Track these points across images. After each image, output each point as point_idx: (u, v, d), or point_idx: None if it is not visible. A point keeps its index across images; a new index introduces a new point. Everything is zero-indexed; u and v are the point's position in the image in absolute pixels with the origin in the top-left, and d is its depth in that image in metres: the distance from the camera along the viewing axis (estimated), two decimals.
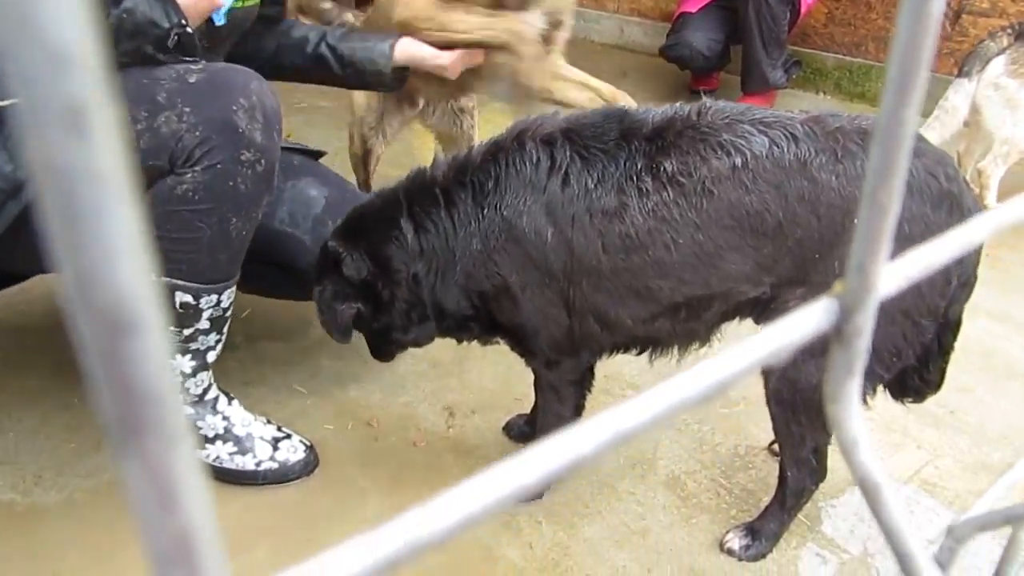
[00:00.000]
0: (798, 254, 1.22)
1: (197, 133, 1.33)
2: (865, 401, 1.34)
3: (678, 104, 1.31)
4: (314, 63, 1.82)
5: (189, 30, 1.40)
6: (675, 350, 1.46)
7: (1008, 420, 1.87)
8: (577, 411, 1.57)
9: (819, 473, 1.43)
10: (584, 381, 1.54)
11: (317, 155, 1.92)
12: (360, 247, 1.45)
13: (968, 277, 1.31)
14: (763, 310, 1.33)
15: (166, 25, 1.36)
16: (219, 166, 1.35)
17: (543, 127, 1.36)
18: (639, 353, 1.51)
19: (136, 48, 1.36)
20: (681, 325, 1.37)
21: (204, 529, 0.14)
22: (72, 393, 1.80)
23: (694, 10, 3.73)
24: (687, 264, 1.27)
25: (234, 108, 1.35)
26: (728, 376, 0.18)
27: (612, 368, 1.92)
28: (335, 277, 1.48)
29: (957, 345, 2.00)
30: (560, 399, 1.55)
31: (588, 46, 4.73)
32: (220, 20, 1.56)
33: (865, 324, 0.19)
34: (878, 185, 0.18)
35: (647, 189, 1.25)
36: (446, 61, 1.77)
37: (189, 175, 1.35)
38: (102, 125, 0.11)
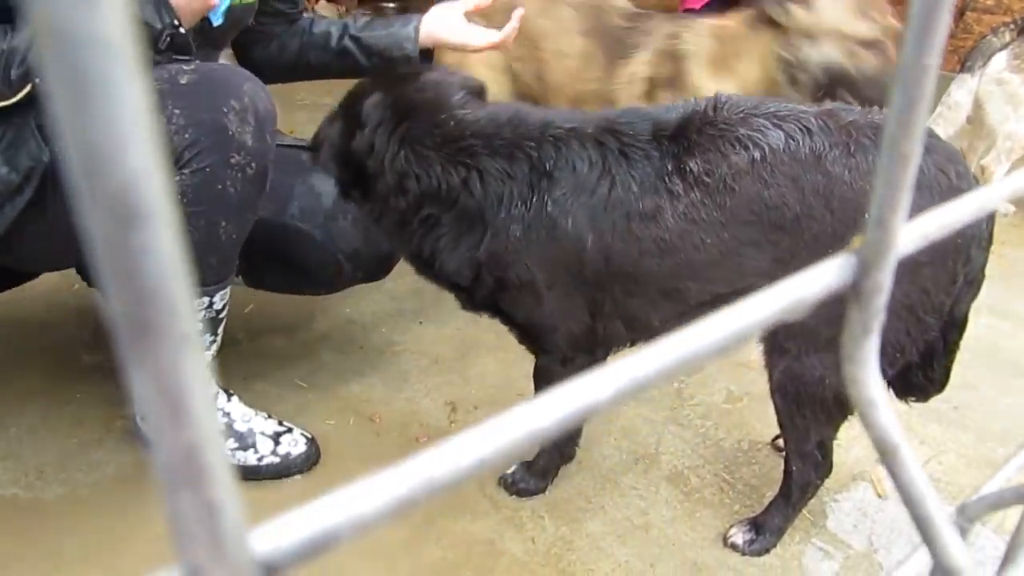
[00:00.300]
0: (813, 249, 1.22)
1: (186, 135, 1.32)
2: None
3: (693, 100, 1.30)
4: (339, 57, 1.80)
5: (182, 30, 1.39)
6: None
7: (1012, 416, 1.87)
8: None
9: (824, 467, 1.43)
10: (578, 370, 1.52)
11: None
12: (380, 124, 1.32)
13: (975, 276, 1.30)
14: None
15: (158, 26, 1.35)
16: (208, 169, 1.33)
17: (588, 123, 1.32)
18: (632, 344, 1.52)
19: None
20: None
21: (212, 444, 0.13)
22: (74, 389, 1.80)
23: (698, 6, 3.72)
24: (714, 263, 1.26)
25: (224, 110, 1.33)
26: (744, 328, 0.17)
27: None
28: (345, 130, 1.35)
29: (961, 342, 2.00)
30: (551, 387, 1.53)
31: None
32: (218, 20, 1.55)
33: (884, 281, 0.19)
34: (899, 134, 0.17)
35: (678, 191, 1.24)
36: (471, 39, 1.73)
37: (178, 178, 1.33)
38: None
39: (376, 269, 1.83)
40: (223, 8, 1.52)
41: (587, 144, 1.28)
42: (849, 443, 1.75)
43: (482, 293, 1.39)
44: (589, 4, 2.16)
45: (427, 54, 1.80)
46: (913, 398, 1.48)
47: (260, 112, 1.38)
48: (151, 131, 0.11)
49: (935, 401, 1.54)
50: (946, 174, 1.18)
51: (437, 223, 1.34)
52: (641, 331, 1.39)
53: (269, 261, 1.51)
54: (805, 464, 1.41)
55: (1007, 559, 0.36)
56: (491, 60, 2.09)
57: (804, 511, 1.54)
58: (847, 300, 0.20)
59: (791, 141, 1.19)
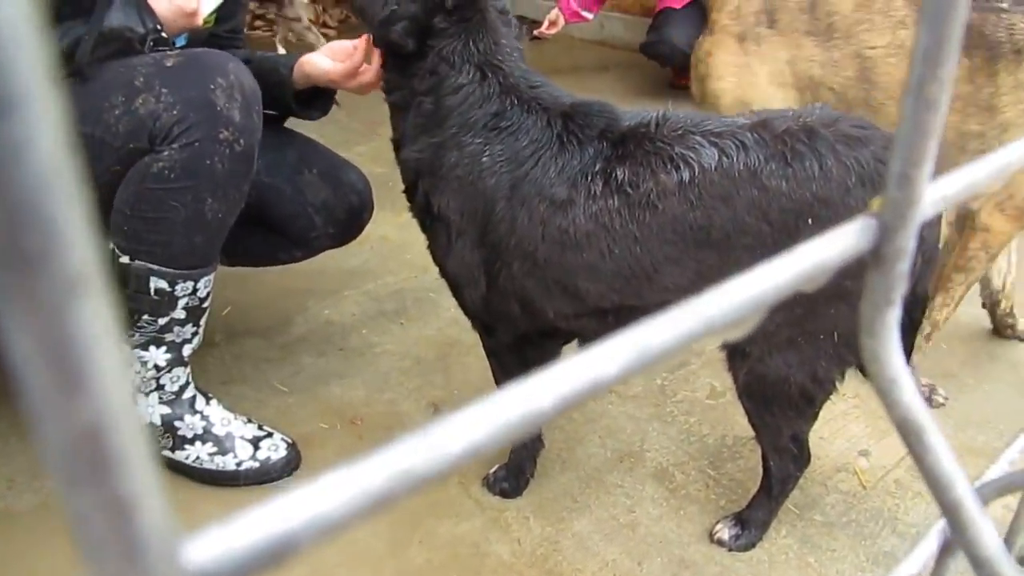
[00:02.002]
0: (748, 261, 1.21)
1: (175, 112, 1.32)
2: (835, 387, 1.34)
3: (654, 112, 1.29)
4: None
5: (164, 35, 1.42)
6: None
7: (991, 403, 1.87)
8: None
9: (801, 459, 1.43)
10: (525, 352, 1.51)
11: (280, 119, 1.88)
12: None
13: (931, 254, 1.31)
14: None
15: (141, 31, 1.38)
16: (196, 144, 1.33)
17: (559, 98, 1.34)
18: (566, 342, 1.52)
19: (113, 52, 1.38)
20: (608, 328, 1.37)
21: (120, 421, 0.10)
22: None
23: (678, 6, 3.72)
24: (620, 274, 1.26)
25: (212, 87, 1.34)
26: (757, 296, 0.16)
27: None
28: (428, 7, 1.32)
29: (942, 335, 2.00)
30: (503, 368, 1.54)
31: (569, 42, 4.72)
32: (181, 40, 1.57)
33: (907, 244, 0.17)
34: (925, 75, 0.15)
35: (596, 192, 1.24)
36: (337, 75, 1.62)
37: (166, 152, 1.33)
38: None
39: (347, 224, 1.80)
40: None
41: (541, 120, 1.31)
42: (832, 435, 1.75)
43: (416, 207, 1.42)
44: None
45: (319, 97, 1.75)
46: None
47: (246, 90, 1.39)
48: None
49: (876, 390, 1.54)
50: (886, 163, 1.17)
51: (420, 110, 1.36)
52: (536, 318, 1.40)
53: (240, 224, 1.49)
54: (782, 458, 1.41)
55: (1008, 544, 0.35)
56: (781, 76, 1.83)
57: (790, 504, 1.53)
58: (867, 267, 0.18)
59: (725, 158, 1.19)
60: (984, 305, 2.12)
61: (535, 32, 3.75)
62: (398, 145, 1.43)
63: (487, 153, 1.31)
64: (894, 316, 0.19)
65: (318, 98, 1.74)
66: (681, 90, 4.05)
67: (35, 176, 0.09)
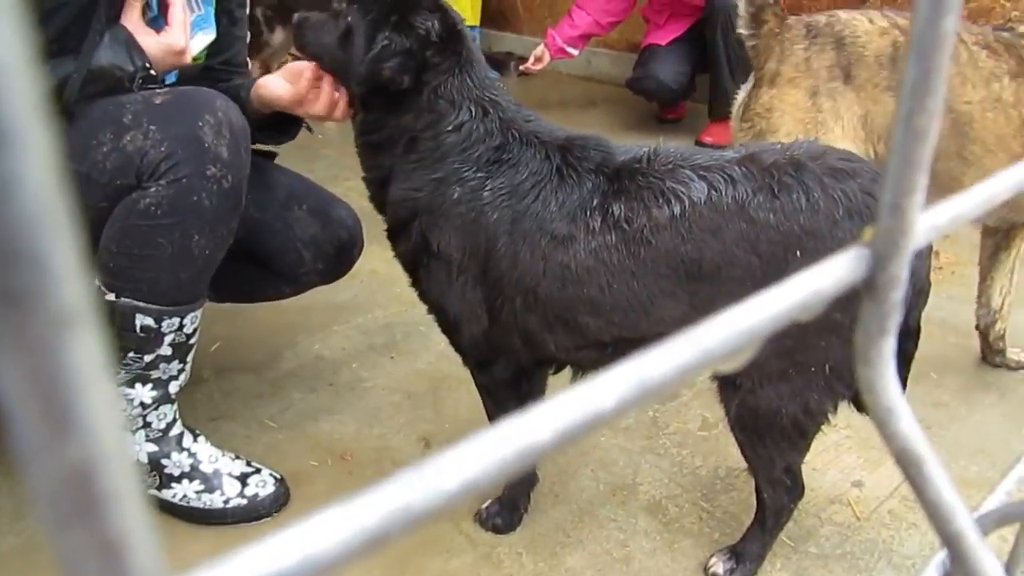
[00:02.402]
0: (739, 293, 1.21)
1: (163, 148, 1.32)
2: (827, 418, 1.34)
3: (647, 147, 1.31)
4: None
5: (153, 73, 1.42)
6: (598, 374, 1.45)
7: (983, 433, 1.87)
8: None
9: (795, 491, 1.42)
10: (520, 384, 1.51)
11: (271, 156, 1.88)
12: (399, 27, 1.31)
13: (922, 285, 1.32)
14: None
15: (130, 69, 1.39)
16: (184, 180, 1.33)
17: (554, 132, 1.36)
18: (556, 371, 1.52)
19: (101, 90, 1.38)
20: (608, 359, 1.38)
21: (111, 460, 0.10)
22: None
23: (663, 42, 3.78)
24: (619, 308, 1.27)
25: (200, 124, 1.34)
26: (752, 326, 0.16)
27: None
28: (417, 40, 1.32)
29: (929, 361, 2.01)
30: (497, 404, 1.53)
31: (556, 77, 4.77)
32: (171, 78, 1.58)
33: (900, 274, 0.17)
34: (914, 107, 0.16)
35: (595, 228, 1.25)
36: (287, 99, 1.55)
37: (153, 189, 1.33)
38: None
39: (336, 259, 1.78)
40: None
41: (539, 153, 1.32)
42: (825, 466, 1.75)
43: (408, 247, 1.40)
44: (1002, 41, 1.78)
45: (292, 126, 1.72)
46: None
47: (235, 127, 1.39)
48: (13, 8, 0.09)
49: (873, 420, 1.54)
50: (873, 195, 1.18)
51: (415, 148, 1.35)
52: (537, 351, 1.40)
53: (229, 259, 1.48)
54: (776, 490, 1.40)
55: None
56: (854, 132, 1.75)
57: (784, 536, 1.52)
58: (861, 297, 0.18)
59: (714, 192, 1.20)
60: (978, 326, 2.11)
61: (521, 67, 3.80)
62: (379, 183, 1.41)
63: (488, 187, 1.31)
64: (889, 345, 0.19)
65: (285, 122, 1.68)
66: (667, 124, 4.11)
67: (25, 211, 0.09)
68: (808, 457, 1.43)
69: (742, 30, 1.86)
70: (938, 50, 0.15)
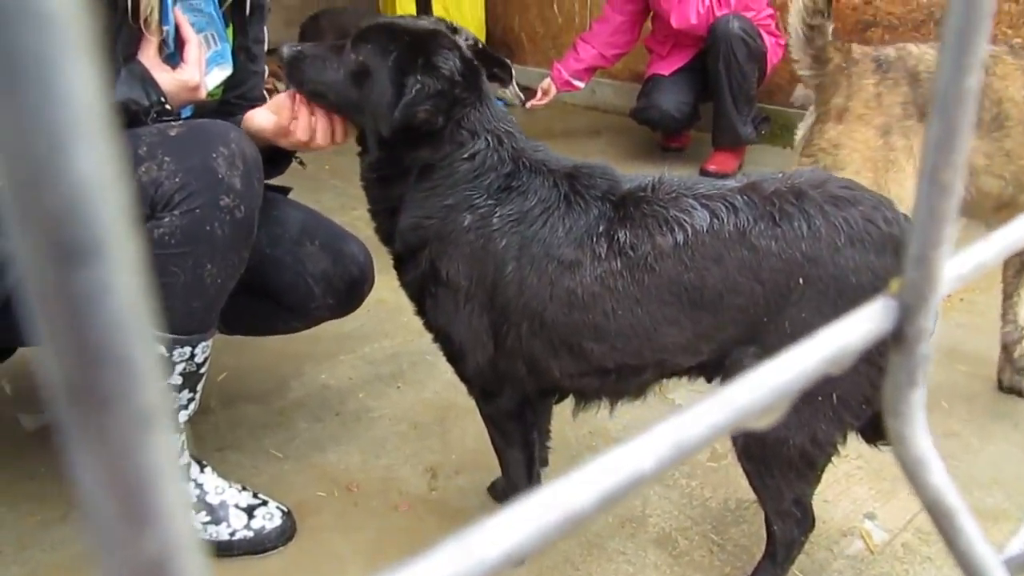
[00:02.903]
0: (742, 320, 1.23)
1: (177, 179, 1.34)
2: (837, 449, 1.32)
3: (652, 176, 1.32)
4: None
5: (168, 107, 1.45)
6: (602, 403, 1.45)
7: (997, 464, 1.85)
8: (526, 448, 1.53)
9: (805, 523, 1.41)
10: (525, 414, 1.50)
11: (285, 191, 1.89)
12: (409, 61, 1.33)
13: None
14: (714, 370, 1.34)
15: (146, 103, 1.41)
16: (197, 211, 1.34)
17: (561, 161, 1.38)
18: (559, 400, 1.51)
19: (118, 124, 1.38)
20: (611, 386, 1.38)
21: (186, 555, 0.10)
22: (38, 462, 1.73)
23: (667, 73, 3.81)
24: (622, 334, 1.28)
25: (214, 155, 1.36)
26: (784, 383, 0.15)
27: (596, 423, 1.89)
28: (444, 80, 1.33)
29: (940, 390, 1.99)
30: (503, 436, 1.52)
31: (561, 107, 4.81)
32: (187, 111, 1.60)
33: (928, 325, 0.17)
34: (938, 162, 0.16)
35: (601, 254, 1.26)
36: (270, 131, 1.53)
37: (167, 219, 1.34)
38: None
39: (347, 294, 1.79)
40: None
41: (548, 180, 1.33)
42: (836, 498, 1.73)
43: (416, 275, 1.40)
44: None
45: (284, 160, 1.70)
46: (883, 442, 1.47)
47: (248, 158, 1.40)
48: (105, 128, 0.09)
49: (903, 472, 1.52)
50: (874, 223, 1.18)
51: (428, 176, 1.36)
52: (542, 378, 1.40)
53: (240, 293, 1.49)
54: (785, 523, 1.39)
55: None
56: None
57: (796, 570, 1.50)
58: (889, 348, 0.18)
59: (716, 220, 1.21)
60: (1005, 345, 2.07)
61: (528, 103, 3.84)
62: (388, 214, 1.42)
63: (497, 214, 1.32)
64: (919, 396, 0.19)
65: (276, 157, 1.65)
66: (671, 153, 4.13)
67: (112, 320, 0.10)
68: (819, 488, 1.41)
69: (804, 72, 1.81)
70: (961, 106, 0.15)
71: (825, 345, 0.17)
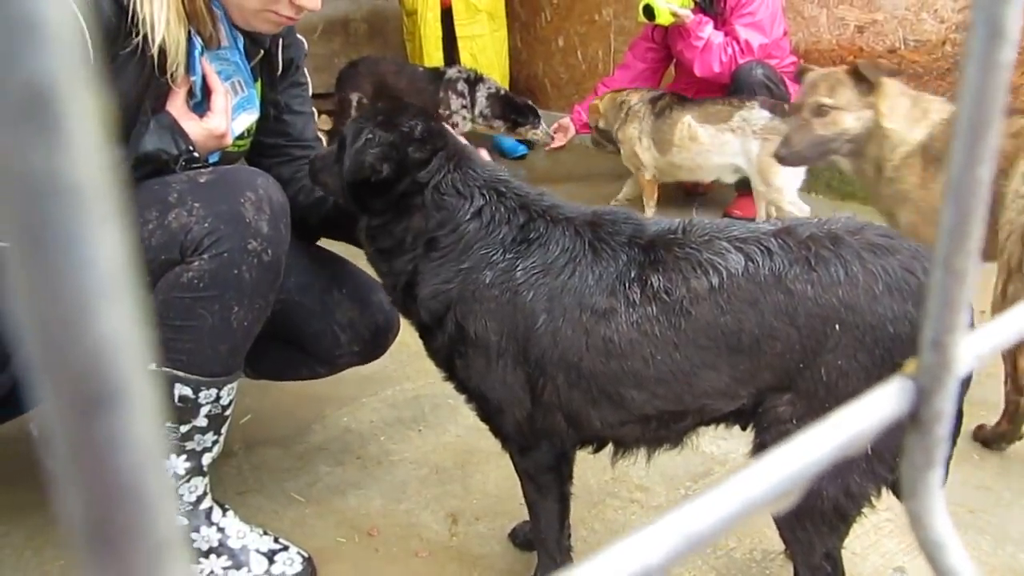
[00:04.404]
0: (779, 366, 1.21)
1: (206, 224, 1.37)
2: (870, 502, 1.29)
3: (679, 219, 1.33)
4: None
5: (196, 155, 1.49)
6: (642, 452, 1.42)
7: None
8: (562, 499, 1.50)
9: None
10: (562, 467, 1.48)
11: (314, 238, 1.91)
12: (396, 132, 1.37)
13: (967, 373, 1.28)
14: (748, 417, 1.32)
15: (174, 152, 1.46)
16: (226, 255, 1.37)
17: (576, 207, 1.39)
18: (597, 450, 1.49)
19: (149, 172, 1.45)
20: (651, 433, 1.37)
21: None
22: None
23: (690, 94, 3.84)
24: (662, 380, 1.26)
25: (242, 200, 1.39)
26: (799, 469, 0.16)
27: (619, 470, 1.86)
28: (401, 139, 1.37)
29: (971, 443, 1.95)
30: (539, 489, 1.50)
31: (584, 151, 4.82)
32: (214, 157, 1.63)
33: (945, 407, 0.17)
34: (952, 249, 0.16)
35: (635, 300, 1.25)
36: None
37: (196, 263, 1.37)
38: (74, 115, 0.09)
39: (372, 342, 1.82)
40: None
41: (568, 230, 1.33)
42: (865, 551, 1.69)
43: (443, 340, 1.40)
44: None
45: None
46: None
47: (275, 203, 1.44)
48: (127, 293, 0.09)
49: (950, 504, 1.48)
50: (913, 273, 1.17)
51: (435, 246, 1.37)
52: (582, 430, 1.38)
53: (267, 340, 1.51)
54: None
55: None
56: None
57: None
58: (905, 430, 0.18)
59: (751, 264, 1.20)
60: (1008, 400, 2.03)
61: (547, 148, 3.90)
62: (403, 289, 1.42)
63: (520, 267, 1.32)
64: (936, 477, 0.19)
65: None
66: (694, 197, 4.13)
67: (131, 463, 0.10)
68: (847, 541, 1.38)
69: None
70: (974, 196, 0.15)
71: (841, 429, 0.17)
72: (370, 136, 1.36)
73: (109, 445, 0.10)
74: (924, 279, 1.17)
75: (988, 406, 2.17)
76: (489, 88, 4.10)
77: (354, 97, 4.28)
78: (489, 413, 1.44)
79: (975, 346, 0.18)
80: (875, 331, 1.15)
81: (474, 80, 4.13)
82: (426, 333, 1.44)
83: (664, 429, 1.35)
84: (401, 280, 1.42)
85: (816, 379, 1.19)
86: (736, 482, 0.15)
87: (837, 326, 1.16)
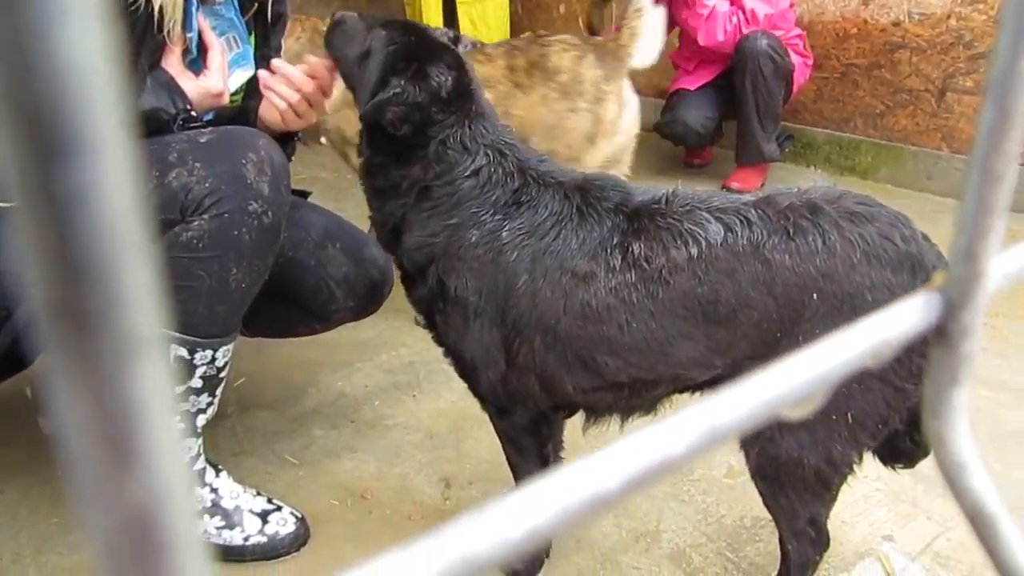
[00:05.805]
0: (756, 336, 1.21)
1: (207, 184, 1.35)
2: (852, 469, 1.30)
3: (665, 188, 1.31)
4: None
5: (194, 114, 1.47)
6: (614, 419, 1.43)
7: (1020, 489, 1.82)
8: (543, 462, 1.50)
9: (820, 543, 1.38)
10: (541, 430, 1.48)
11: (304, 195, 1.90)
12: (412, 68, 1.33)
13: None
14: (725, 385, 1.31)
15: (172, 111, 1.44)
16: (226, 215, 1.36)
17: (570, 173, 1.38)
18: (568, 416, 1.50)
19: (147, 131, 1.43)
20: (624, 401, 1.37)
21: (175, 501, 0.09)
22: (56, 466, 1.74)
23: (692, 88, 3.80)
24: (636, 348, 1.26)
25: (243, 161, 1.37)
26: (823, 372, 0.15)
27: (611, 436, 1.87)
28: (423, 87, 1.33)
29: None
30: (519, 451, 1.50)
31: None
32: (208, 115, 1.61)
33: (974, 322, 0.17)
34: (991, 149, 0.15)
35: (616, 266, 1.25)
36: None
37: (196, 223, 1.36)
38: None
39: (367, 297, 1.81)
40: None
41: (558, 193, 1.32)
42: (854, 520, 1.70)
43: (424, 292, 1.40)
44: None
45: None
46: (900, 465, 1.44)
47: (276, 165, 1.42)
48: (97, 8, 0.08)
49: (934, 471, 1.49)
50: (891, 240, 1.16)
51: (427, 196, 1.35)
52: (554, 394, 1.38)
53: (262, 296, 1.50)
54: (800, 543, 1.37)
55: None
56: None
57: None
58: (930, 345, 0.18)
59: (730, 234, 1.20)
60: None
61: None
62: (391, 231, 1.42)
63: (506, 228, 1.31)
64: (961, 397, 0.18)
65: (281, 141, 1.67)
66: (694, 169, 4.11)
67: (98, 227, 0.08)
68: (836, 509, 1.39)
69: None
70: (1016, 91, 0.14)
71: (866, 336, 0.16)
72: (398, 91, 1.32)
73: (72, 203, 0.08)
74: (903, 246, 1.17)
75: (980, 381, 2.18)
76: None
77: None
78: (464, 371, 1.44)
79: (1006, 263, 0.17)
80: (853, 299, 1.15)
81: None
82: (408, 280, 1.44)
83: (637, 397, 1.35)
84: (389, 222, 1.41)
85: (793, 349, 1.18)
86: (762, 379, 0.14)
87: (815, 295, 1.16)
